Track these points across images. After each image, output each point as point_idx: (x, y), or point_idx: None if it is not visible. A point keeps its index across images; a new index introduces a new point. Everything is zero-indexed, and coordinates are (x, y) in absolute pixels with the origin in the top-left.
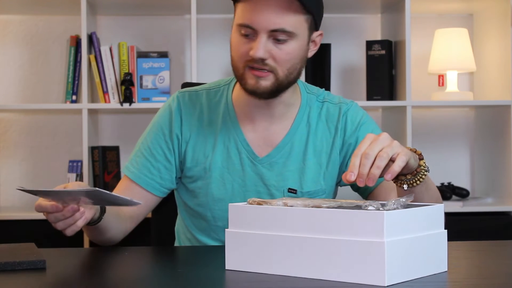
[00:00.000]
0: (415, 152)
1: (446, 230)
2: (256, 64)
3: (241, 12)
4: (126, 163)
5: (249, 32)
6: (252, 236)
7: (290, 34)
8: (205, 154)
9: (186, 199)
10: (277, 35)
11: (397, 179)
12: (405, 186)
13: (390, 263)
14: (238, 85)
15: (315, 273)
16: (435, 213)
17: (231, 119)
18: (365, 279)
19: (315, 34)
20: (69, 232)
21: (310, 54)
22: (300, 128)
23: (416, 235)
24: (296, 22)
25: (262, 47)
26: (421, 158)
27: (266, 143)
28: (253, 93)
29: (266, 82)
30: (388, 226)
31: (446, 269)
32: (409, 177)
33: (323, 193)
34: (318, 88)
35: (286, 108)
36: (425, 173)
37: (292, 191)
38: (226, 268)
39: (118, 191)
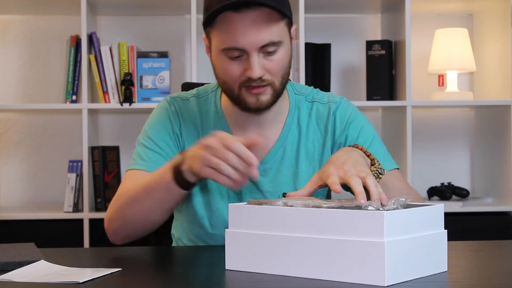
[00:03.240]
0: (368, 156)
1: (446, 230)
2: (255, 83)
3: (221, 36)
4: (131, 162)
5: (238, 54)
6: (252, 236)
7: (277, 44)
8: None
9: (184, 205)
10: (266, 49)
11: None
12: None
13: (390, 263)
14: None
15: (315, 273)
16: (435, 213)
17: (222, 127)
18: (365, 279)
19: (292, 30)
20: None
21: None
22: (291, 131)
23: (416, 235)
24: (279, 30)
25: (258, 66)
26: (372, 164)
27: (258, 149)
28: (257, 110)
29: (266, 96)
30: (388, 226)
31: (446, 269)
32: None
33: (316, 193)
34: (306, 87)
35: (276, 113)
36: (379, 176)
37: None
38: (226, 268)
39: (131, 185)
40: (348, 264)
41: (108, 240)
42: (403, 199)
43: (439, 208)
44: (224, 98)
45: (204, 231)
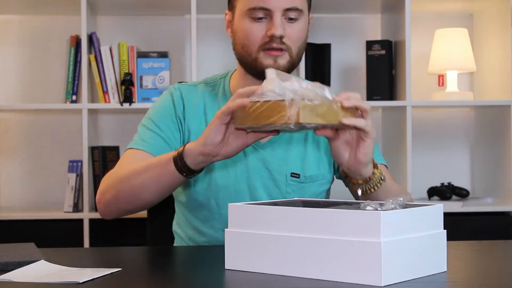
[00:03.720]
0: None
1: (445, 230)
2: (275, 44)
3: None
4: (131, 141)
5: (262, 15)
6: (252, 236)
7: (299, 12)
8: None
9: (187, 190)
10: (289, 14)
11: (352, 182)
12: (359, 192)
13: (386, 263)
14: (235, 76)
15: (313, 273)
16: (434, 213)
17: None
18: (362, 279)
19: (310, 15)
20: None
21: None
22: None
23: (414, 235)
24: (302, 0)
25: (281, 25)
26: (376, 168)
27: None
28: None
29: (283, 60)
30: (385, 226)
31: (446, 269)
32: (361, 182)
33: (323, 177)
34: (303, 78)
35: None
36: (380, 181)
37: (295, 175)
38: (226, 268)
39: (127, 163)
40: (345, 264)
41: (108, 240)
42: (401, 199)
43: (438, 208)
44: (233, 82)
45: (210, 212)
